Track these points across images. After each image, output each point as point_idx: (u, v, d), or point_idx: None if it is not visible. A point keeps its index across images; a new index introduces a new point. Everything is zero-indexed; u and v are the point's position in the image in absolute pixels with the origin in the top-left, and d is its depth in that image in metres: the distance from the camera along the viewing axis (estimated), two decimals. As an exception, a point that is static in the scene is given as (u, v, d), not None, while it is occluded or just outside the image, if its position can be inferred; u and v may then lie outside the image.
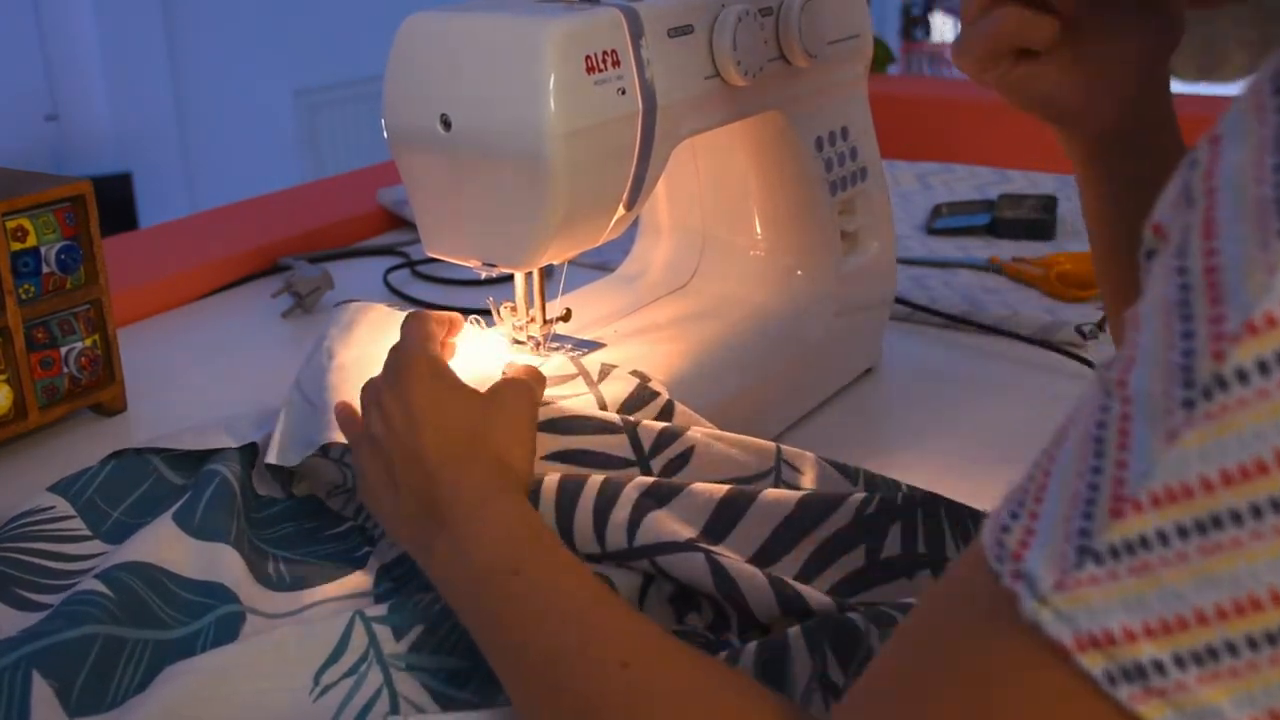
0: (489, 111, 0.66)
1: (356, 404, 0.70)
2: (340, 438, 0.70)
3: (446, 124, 0.68)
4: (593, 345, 0.80)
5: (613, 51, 0.67)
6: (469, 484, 0.59)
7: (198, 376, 0.98)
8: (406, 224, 1.35)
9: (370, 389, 0.66)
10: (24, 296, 0.82)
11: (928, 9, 7.20)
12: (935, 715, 0.36)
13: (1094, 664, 0.32)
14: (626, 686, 0.48)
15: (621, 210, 0.72)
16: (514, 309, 0.77)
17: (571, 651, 0.50)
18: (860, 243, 0.90)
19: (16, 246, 0.82)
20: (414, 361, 0.64)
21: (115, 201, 3.83)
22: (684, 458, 0.67)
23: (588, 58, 0.66)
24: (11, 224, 0.81)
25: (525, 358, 0.76)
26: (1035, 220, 1.26)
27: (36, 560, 0.66)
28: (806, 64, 0.81)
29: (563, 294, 0.82)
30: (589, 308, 0.86)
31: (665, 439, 0.67)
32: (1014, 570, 0.34)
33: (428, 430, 0.61)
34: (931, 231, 1.28)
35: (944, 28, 7.16)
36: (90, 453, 0.84)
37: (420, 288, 1.17)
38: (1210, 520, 0.31)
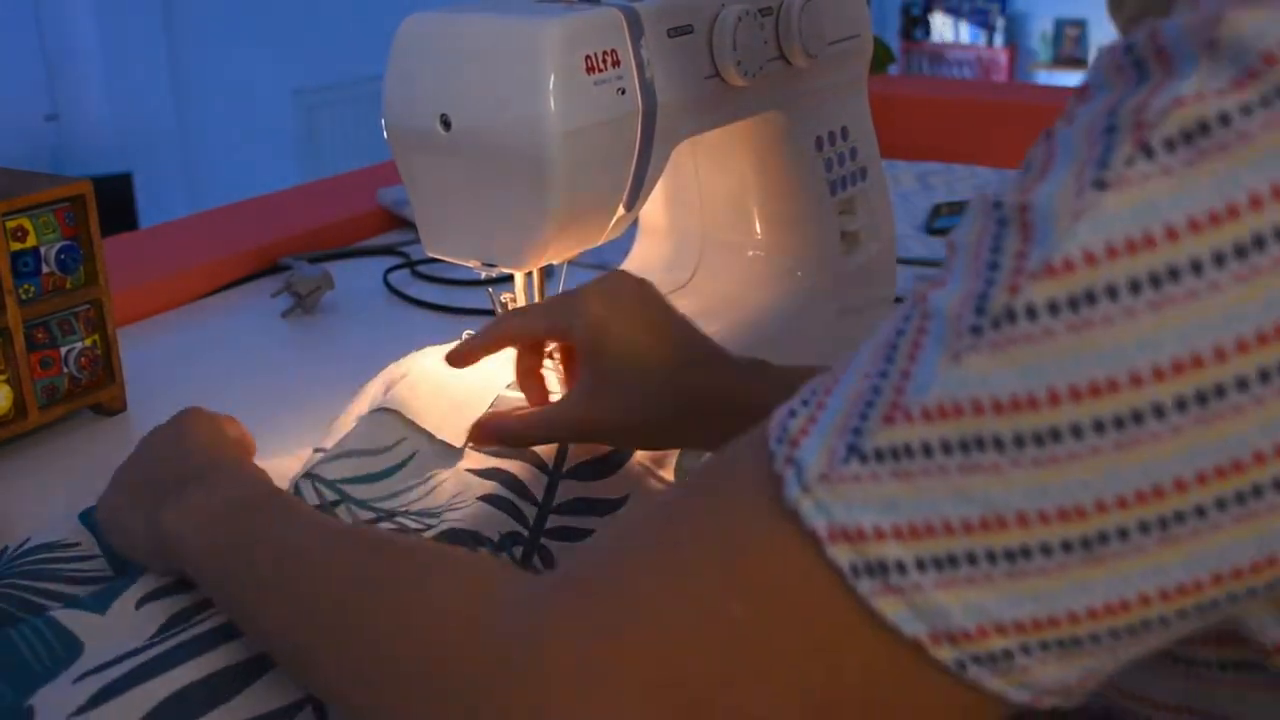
0: (489, 111, 0.66)
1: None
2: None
3: (446, 124, 0.68)
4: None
5: (612, 51, 0.67)
6: (207, 460, 0.61)
7: (198, 376, 0.98)
8: (406, 224, 1.35)
9: None
10: (24, 296, 0.82)
11: (928, 9, 7.20)
12: (675, 578, 0.37)
13: (841, 555, 0.34)
14: (383, 567, 0.46)
15: (621, 210, 0.72)
16: (514, 300, 0.77)
17: (326, 551, 0.49)
18: (860, 243, 0.90)
19: (16, 246, 0.82)
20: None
21: (115, 201, 3.83)
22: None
23: (587, 58, 0.66)
24: (11, 224, 0.81)
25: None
26: (1035, 220, 1.26)
27: (44, 601, 0.62)
28: (806, 64, 0.81)
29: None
30: (589, 308, 0.86)
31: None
32: (788, 455, 0.35)
33: (167, 440, 0.64)
34: (931, 231, 1.28)
35: (944, 28, 7.16)
36: (90, 453, 0.84)
37: (420, 288, 1.17)
38: (974, 441, 0.32)
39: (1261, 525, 0.31)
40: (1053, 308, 0.31)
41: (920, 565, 0.33)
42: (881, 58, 2.07)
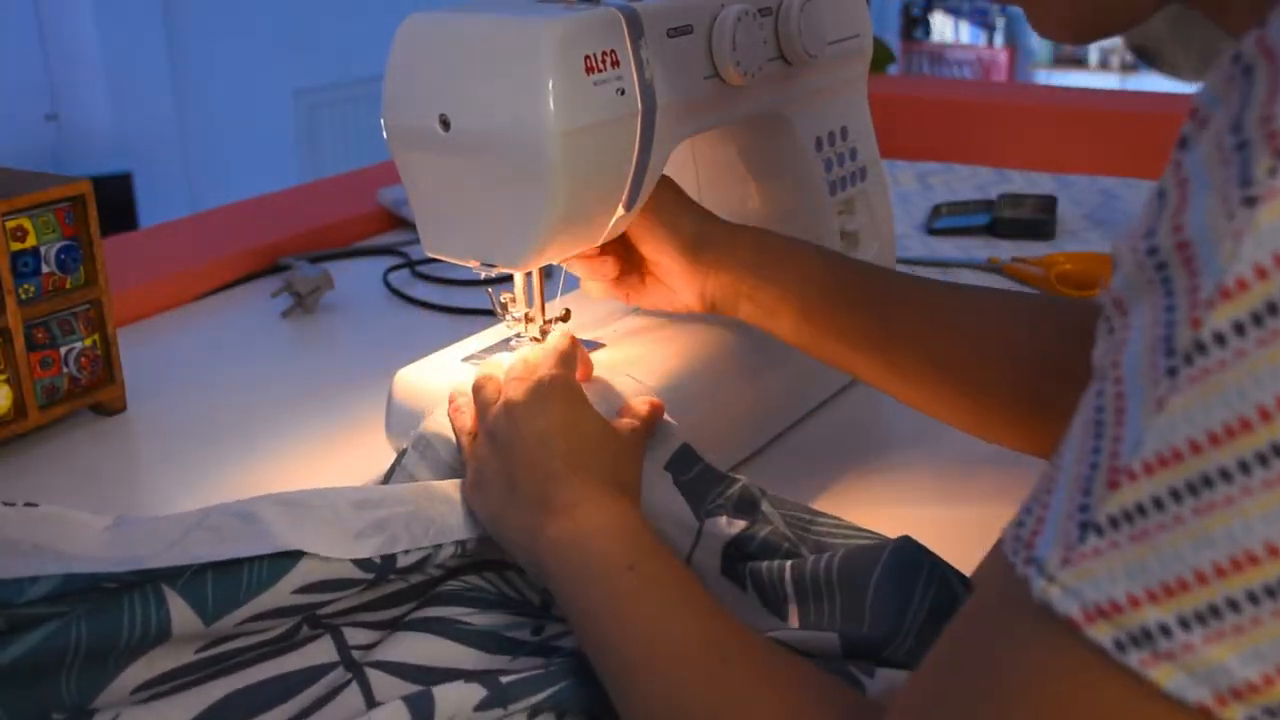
0: (488, 111, 0.66)
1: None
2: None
3: (446, 124, 0.68)
4: (592, 345, 0.80)
5: (612, 52, 0.67)
6: (589, 488, 0.61)
7: (198, 376, 0.98)
8: (406, 224, 1.35)
9: (489, 391, 0.68)
10: (24, 296, 0.82)
11: (928, 9, 7.20)
12: (957, 700, 0.37)
13: (1103, 634, 0.33)
14: (725, 683, 0.49)
15: (621, 210, 0.72)
16: (514, 299, 0.77)
17: (678, 644, 0.52)
18: (860, 243, 0.90)
19: (16, 246, 0.82)
20: (553, 382, 0.66)
21: (115, 201, 3.83)
22: None
23: (587, 58, 0.66)
24: (11, 224, 0.81)
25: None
26: (1035, 220, 1.26)
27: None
28: (806, 64, 0.81)
29: (562, 294, 0.82)
30: (588, 308, 0.86)
31: None
32: (1026, 557, 0.35)
33: (559, 446, 0.63)
34: (931, 231, 1.29)
35: (944, 28, 7.16)
36: (90, 453, 0.85)
37: (420, 288, 1.17)
38: (1201, 481, 0.32)
39: None
40: (1238, 329, 0.31)
41: (1184, 624, 0.32)
42: (881, 58, 2.07)
